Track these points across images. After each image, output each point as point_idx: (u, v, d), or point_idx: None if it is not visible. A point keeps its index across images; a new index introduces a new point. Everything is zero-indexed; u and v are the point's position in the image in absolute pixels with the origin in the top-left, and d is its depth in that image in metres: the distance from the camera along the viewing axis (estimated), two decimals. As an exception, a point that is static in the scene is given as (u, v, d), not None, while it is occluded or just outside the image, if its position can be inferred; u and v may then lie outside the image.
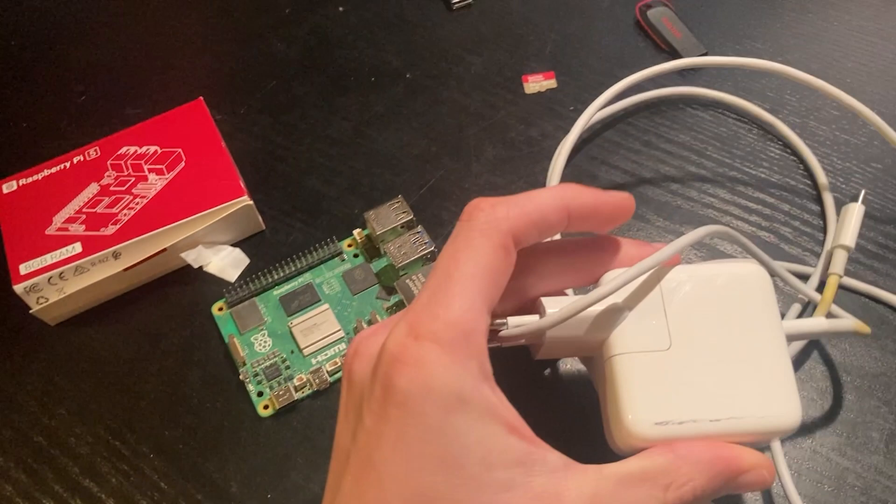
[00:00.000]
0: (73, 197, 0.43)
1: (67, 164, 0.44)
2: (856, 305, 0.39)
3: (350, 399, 0.26)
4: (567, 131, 0.44)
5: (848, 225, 0.38)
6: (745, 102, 0.46)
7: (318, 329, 0.39)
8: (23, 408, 0.39)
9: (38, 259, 0.40)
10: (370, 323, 0.40)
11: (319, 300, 0.41)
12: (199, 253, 0.42)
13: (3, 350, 0.42)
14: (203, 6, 0.57)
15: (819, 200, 0.43)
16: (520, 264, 0.27)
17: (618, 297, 0.27)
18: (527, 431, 0.24)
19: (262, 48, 0.53)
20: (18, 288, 0.39)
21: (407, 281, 0.39)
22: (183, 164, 0.43)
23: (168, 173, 0.43)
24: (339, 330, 0.39)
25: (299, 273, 0.42)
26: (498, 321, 0.27)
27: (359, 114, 0.49)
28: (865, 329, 0.32)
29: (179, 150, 0.44)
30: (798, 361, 0.37)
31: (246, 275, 0.42)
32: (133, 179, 0.43)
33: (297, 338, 0.39)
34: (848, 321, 0.32)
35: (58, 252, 0.40)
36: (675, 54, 0.49)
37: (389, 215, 0.41)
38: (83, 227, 0.41)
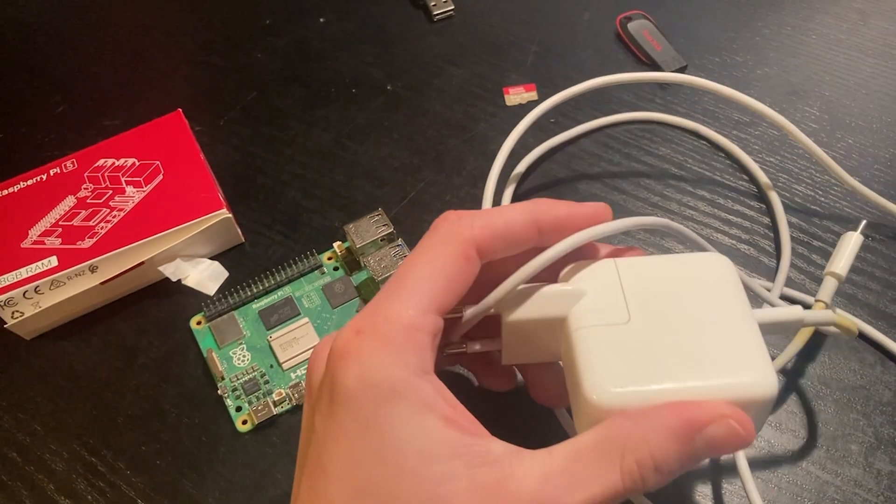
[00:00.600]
0: (49, 210, 0.42)
1: (44, 177, 0.44)
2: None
3: (308, 404, 0.27)
4: (545, 143, 0.44)
5: (842, 254, 0.36)
6: (716, 134, 0.47)
7: (298, 343, 0.39)
8: (-3, 424, 0.39)
9: (14, 273, 0.40)
10: (350, 337, 0.39)
11: (299, 314, 0.40)
12: (178, 266, 0.42)
13: (-23, 365, 0.41)
14: (182, 16, 0.56)
15: (801, 215, 0.43)
16: (489, 276, 0.27)
17: (572, 284, 0.27)
18: (468, 423, 0.24)
19: (242, 59, 0.53)
20: (-7, 302, 0.39)
21: (387, 294, 0.39)
22: (161, 176, 0.43)
23: (146, 186, 0.43)
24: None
25: (279, 286, 0.41)
26: (454, 314, 0.28)
27: (339, 125, 0.49)
28: (852, 328, 0.31)
29: (157, 162, 0.44)
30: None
31: (225, 288, 0.42)
32: (110, 192, 0.43)
33: (276, 352, 0.39)
34: (828, 313, 0.31)
35: (34, 265, 0.40)
36: (655, 67, 0.50)
37: (370, 228, 0.41)
38: (59, 240, 0.41)
